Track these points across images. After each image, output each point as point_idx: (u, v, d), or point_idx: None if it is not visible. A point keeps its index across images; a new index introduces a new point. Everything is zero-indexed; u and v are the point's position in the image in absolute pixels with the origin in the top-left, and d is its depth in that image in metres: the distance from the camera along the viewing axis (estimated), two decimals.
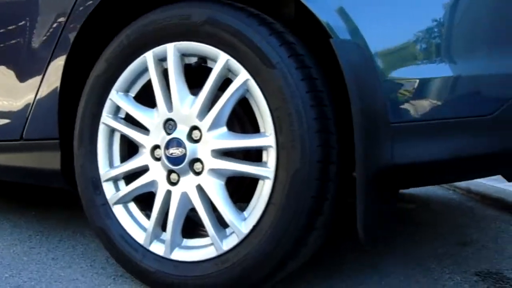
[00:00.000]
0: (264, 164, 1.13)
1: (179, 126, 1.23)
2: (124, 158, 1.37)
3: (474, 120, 1.05)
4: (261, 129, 1.14)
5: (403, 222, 2.08)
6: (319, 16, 1.07)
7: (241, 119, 1.28)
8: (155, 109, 1.27)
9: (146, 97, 1.31)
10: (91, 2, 1.35)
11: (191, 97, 1.22)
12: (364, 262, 1.54)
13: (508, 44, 1.09)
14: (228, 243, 1.18)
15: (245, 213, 1.17)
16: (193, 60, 1.23)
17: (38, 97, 1.50)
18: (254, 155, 1.23)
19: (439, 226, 2.03)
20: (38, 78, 1.50)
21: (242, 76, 1.13)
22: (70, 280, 1.38)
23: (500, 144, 1.08)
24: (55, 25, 1.45)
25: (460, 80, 1.05)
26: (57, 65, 1.44)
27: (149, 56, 1.26)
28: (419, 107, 1.05)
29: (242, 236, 1.15)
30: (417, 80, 1.05)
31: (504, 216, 2.20)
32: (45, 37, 1.48)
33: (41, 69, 1.48)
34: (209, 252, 1.21)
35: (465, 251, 1.68)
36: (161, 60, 1.25)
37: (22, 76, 1.55)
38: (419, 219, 2.17)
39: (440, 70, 1.05)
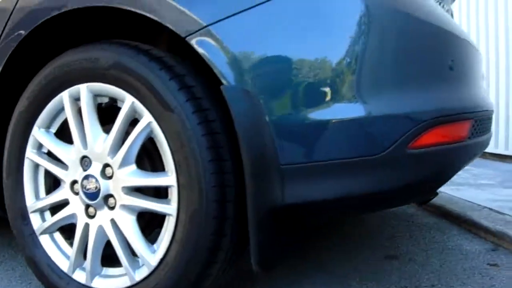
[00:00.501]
0: (169, 202, 1.20)
1: (93, 163, 1.29)
2: (49, 190, 1.43)
3: (363, 160, 1.11)
4: (166, 168, 1.20)
5: (335, 234, 2.15)
6: (212, 63, 1.13)
7: (152, 157, 1.34)
8: (72, 145, 1.34)
9: (66, 134, 1.36)
10: (13, 44, 1.40)
11: (104, 135, 1.28)
12: (285, 278, 1.62)
13: (393, 88, 1.15)
14: (140, 274, 1.25)
15: (155, 246, 1.24)
16: (105, 100, 1.29)
17: None
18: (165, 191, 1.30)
19: (371, 238, 2.10)
20: None
21: (146, 118, 1.19)
22: None
23: (388, 182, 1.16)
24: None
25: (348, 122, 1.11)
26: None
27: (65, 96, 1.31)
28: (308, 149, 1.11)
29: (151, 268, 1.22)
30: (306, 123, 1.11)
31: (441, 224, 2.29)
32: None
33: None
34: (125, 282, 1.28)
35: (390, 265, 1.75)
36: (76, 99, 1.31)
37: None
38: (352, 229, 2.25)
39: (328, 114, 1.11)
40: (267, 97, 1.10)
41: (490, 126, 1.52)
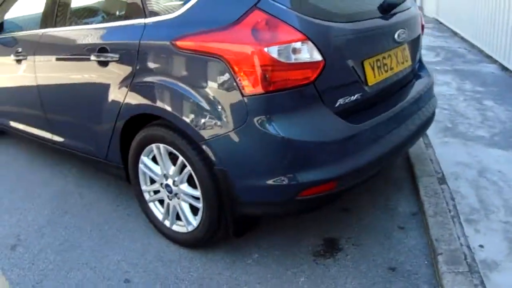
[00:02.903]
0: (199, 201, 2.61)
1: (169, 179, 2.72)
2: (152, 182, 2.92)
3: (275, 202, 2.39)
4: (198, 187, 2.58)
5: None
6: (212, 158, 2.43)
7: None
8: (159, 166, 2.77)
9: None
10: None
11: (173, 167, 2.69)
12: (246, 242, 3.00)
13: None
14: (190, 228, 2.73)
15: (197, 217, 2.69)
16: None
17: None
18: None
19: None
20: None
21: (187, 168, 2.56)
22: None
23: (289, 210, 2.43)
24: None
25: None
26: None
27: (154, 146, 2.71)
28: (251, 192, 2.42)
29: (194, 226, 2.70)
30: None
31: (402, 183, 3.44)
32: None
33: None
34: (184, 229, 2.78)
35: (343, 216, 3.04)
36: (159, 148, 2.71)
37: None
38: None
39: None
40: (232, 172, 2.38)
41: (366, 173, 2.54)
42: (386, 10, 2.72)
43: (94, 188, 3.66)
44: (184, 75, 2.41)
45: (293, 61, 2.19)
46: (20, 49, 3.60)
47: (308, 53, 2.21)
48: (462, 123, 4.39)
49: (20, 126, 4.03)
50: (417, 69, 3.28)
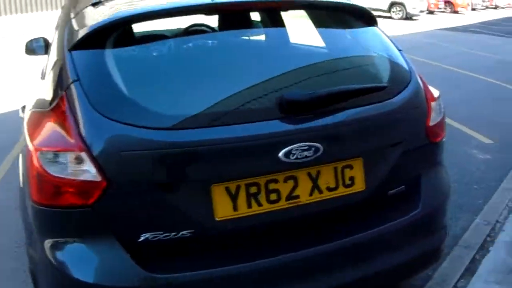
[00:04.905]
0: None
1: None
2: None
3: None
4: None
5: None
6: None
7: None
8: None
9: None
10: None
11: None
12: None
13: None
14: None
15: None
16: None
17: None
18: None
19: None
20: None
21: None
22: None
23: None
24: None
25: None
26: None
27: None
28: None
29: None
30: None
31: None
32: None
33: None
34: None
35: None
36: None
37: None
38: None
39: None
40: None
41: None
42: (288, 111, 1.85)
43: None
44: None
45: (62, 175, 1.71)
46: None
47: (84, 169, 1.70)
48: None
49: None
50: (403, 194, 2.20)
